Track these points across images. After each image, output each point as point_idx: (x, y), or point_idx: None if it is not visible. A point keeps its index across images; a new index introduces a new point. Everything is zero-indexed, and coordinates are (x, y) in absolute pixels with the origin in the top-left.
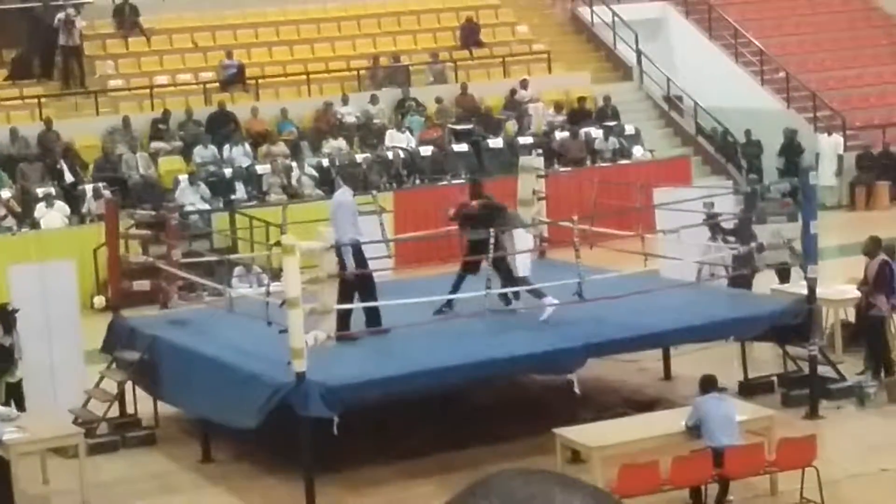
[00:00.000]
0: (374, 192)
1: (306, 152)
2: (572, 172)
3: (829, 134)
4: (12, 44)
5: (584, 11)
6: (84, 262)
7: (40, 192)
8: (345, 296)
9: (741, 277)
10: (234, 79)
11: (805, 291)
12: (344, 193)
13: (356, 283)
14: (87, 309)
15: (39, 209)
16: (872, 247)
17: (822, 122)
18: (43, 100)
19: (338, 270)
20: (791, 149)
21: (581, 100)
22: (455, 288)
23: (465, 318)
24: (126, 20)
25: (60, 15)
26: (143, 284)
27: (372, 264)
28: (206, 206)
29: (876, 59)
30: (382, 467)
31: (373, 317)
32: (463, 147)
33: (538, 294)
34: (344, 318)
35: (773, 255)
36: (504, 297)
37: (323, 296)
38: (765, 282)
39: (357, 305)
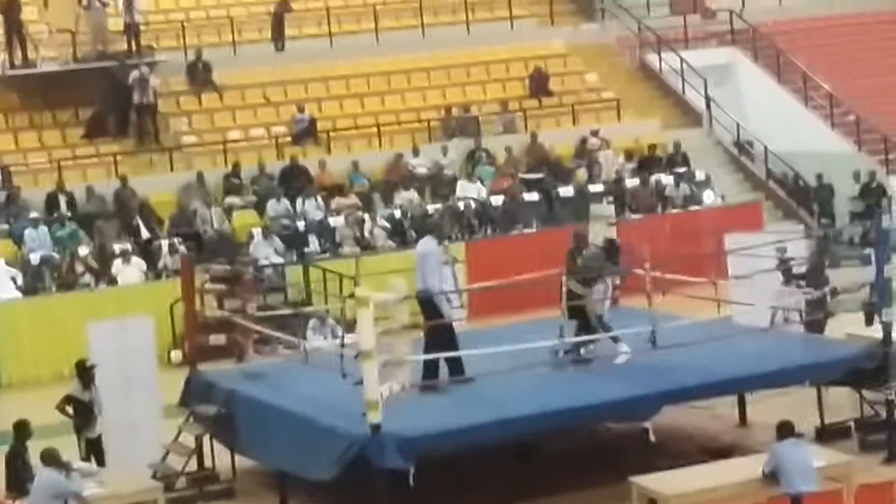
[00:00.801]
0: (446, 242)
1: (378, 204)
2: (643, 219)
3: None
4: (88, 103)
5: (652, 59)
6: (161, 317)
7: (117, 248)
8: (440, 344)
9: (815, 322)
10: (306, 132)
11: (880, 335)
12: (428, 242)
13: (445, 332)
14: (165, 363)
15: (116, 265)
16: None
17: (893, 164)
18: (118, 157)
19: (427, 319)
20: (869, 191)
21: (651, 147)
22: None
23: (538, 367)
24: (199, 77)
25: (135, 73)
26: (219, 338)
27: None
28: (280, 260)
29: None
30: None
31: (456, 367)
32: (534, 196)
33: (615, 338)
34: (431, 368)
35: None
36: (578, 344)
37: (397, 347)
38: (839, 326)
39: (433, 355)
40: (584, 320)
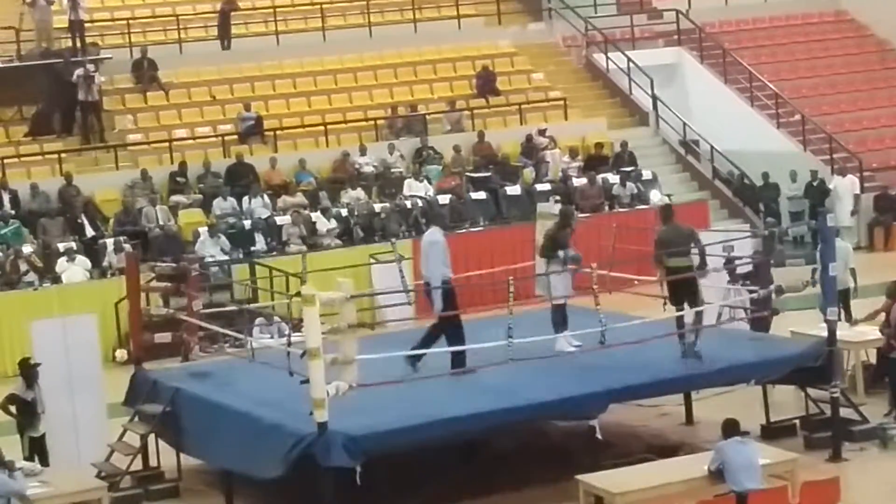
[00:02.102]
0: (394, 240)
1: (325, 202)
2: (590, 218)
3: (844, 175)
4: (32, 100)
5: (599, 58)
6: (105, 316)
7: (61, 246)
8: (434, 336)
9: (760, 320)
10: (252, 131)
11: (825, 334)
12: (434, 233)
13: (445, 324)
14: (109, 362)
15: (61, 264)
16: (895, 289)
17: (838, 164)
18: (63, 155)
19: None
20: (812, 191)
21: (598, 146)
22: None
23: (488, 366)
24: (144, 75)
25: (80, 71)
26: (164, 337)
27: (393, 312)
28: (226, 258)
29: (891, 100)
30: None
31: (458, 360)
32: (481, 195)
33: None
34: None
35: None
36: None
37: (344, 346)
38: (784, 324)
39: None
40: (693, 296)
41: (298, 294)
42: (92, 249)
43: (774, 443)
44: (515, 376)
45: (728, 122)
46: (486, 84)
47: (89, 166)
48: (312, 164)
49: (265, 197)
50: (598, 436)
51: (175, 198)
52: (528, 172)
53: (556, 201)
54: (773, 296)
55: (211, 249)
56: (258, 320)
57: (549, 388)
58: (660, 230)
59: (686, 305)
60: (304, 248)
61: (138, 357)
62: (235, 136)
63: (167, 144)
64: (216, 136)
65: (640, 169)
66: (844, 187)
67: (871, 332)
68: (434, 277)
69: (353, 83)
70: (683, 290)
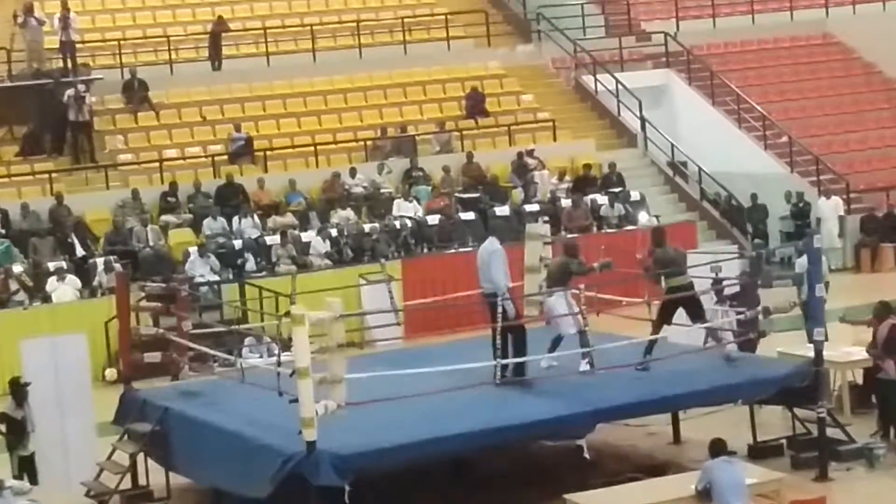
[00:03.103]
0: (383, 260)
1: (315, 223)
2: (578, 239)
3: (828, 197)
4: (23, 120)
5: (588, 80)
6: (95, 335)
7: (52, 266)
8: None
9: (747, 341)
10: (243, 151)
11: (811, 354)
12: (493, 242)
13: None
14: (99, 381)
15: (51, 283)
16: (883, 310)
17: (825, 185)
18: (54, 175)
19: (498, 320)
20: (799, 212)
21: (586, 167)
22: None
23: (475, 386)
24: (135, 95)
25: (70, 91)
26: (154, 356)
27: (381, 332)
28: (216, 278)
29: (878, 123)
30: None
31: (519, 368)
32: (470, 215)
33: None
34: (520, 366)
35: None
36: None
37: (332, 365)
38: (771, 345)
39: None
40: (700, 310)
41: (288, 314)
42: (82, 269)
43: (761, 462)
44: (504, 396)
45: (716, 143)
46: (475, 105)
47: (80, 186)
48: (302, 184)
49: (255, 217)
50: (586, 455)
51: (165, 217)
52: (517, 193)
53: (545, 222)
54: (761, 317)
55: (201, 269)
56: (247, 340)
57: (538, 408)
58: (656, 251)
59: (691, 320)
60: (293, 267)
61: (128, 376)
62: (226, 157)
63: (157, 164)
64: (206, 156)
65: (628, 190)
66: (829, 209)
67: (858, 352)
68: (500, 286)
69: (343, 104)
70: (689, 307)
